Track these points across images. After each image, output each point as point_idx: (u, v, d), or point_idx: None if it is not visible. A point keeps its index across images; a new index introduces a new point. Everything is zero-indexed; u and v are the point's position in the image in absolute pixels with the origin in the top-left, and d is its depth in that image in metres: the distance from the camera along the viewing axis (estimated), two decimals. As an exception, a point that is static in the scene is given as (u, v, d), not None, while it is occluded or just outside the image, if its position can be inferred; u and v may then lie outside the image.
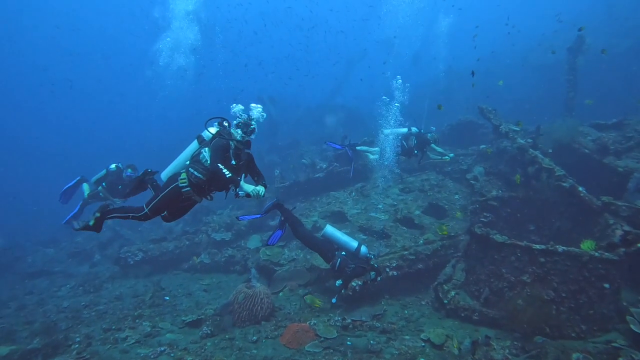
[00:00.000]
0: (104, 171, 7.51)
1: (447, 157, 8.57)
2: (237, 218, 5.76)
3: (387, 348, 5.12)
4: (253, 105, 3.97)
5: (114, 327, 6.44)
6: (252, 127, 3.83)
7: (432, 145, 8.23)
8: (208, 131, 3.86)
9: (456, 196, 8.91)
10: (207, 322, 6.26)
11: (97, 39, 34.90)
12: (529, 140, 7.88)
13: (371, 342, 5.29)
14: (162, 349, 5.39)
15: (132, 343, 5.72)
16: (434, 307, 6.29)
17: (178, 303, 7.56)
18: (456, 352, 4.83)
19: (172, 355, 5.24)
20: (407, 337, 5.40)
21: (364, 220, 8.46)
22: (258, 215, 6.04)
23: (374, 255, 6.16)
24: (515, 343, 4.79)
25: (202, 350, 5.33)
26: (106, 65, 35.68)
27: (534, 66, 17.39)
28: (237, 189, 3.57)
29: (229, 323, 6.26)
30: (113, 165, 7.47)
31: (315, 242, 6.02)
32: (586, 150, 7.59)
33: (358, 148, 9.11)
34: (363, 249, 5.98)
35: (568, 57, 10.76)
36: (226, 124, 3.92)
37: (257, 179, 4.00)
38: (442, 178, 9.85)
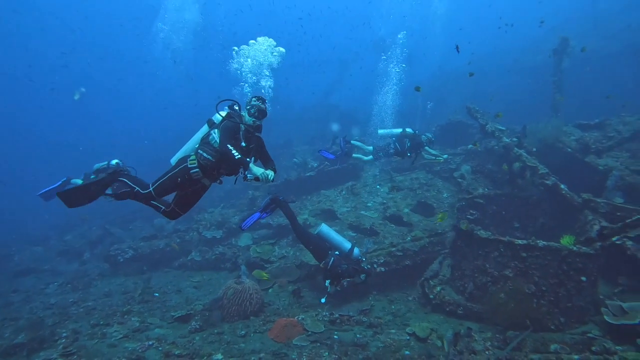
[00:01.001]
0: (105, 163, 7.14)
1: (440, 159, 8.65)
2: (240, 228, 5.51)
3: (373, 342, 5.21)
4: (263, 39, 3.88)
5: (102, 322, 6.43)
6: (262, 108, 3.72)
7: (427, 147, 8.33)
8: (219, 114, 3.77)
9: (444, 194, 9.06)
10: (196, 317, 6.29)
11: (93, 32, 34.30)
12: (514, 139, 8.06)
13: (357, 335, 5.38)
14: (150, 343, 5.40)
15: (120, 338, 5.72)
16: (420, 302, 6.41)
17: (168, 299, 7.58)
18: (439, 344, 4.94)
19: (160, 349, 5.26)
20: (393, 331, 5.50)
21: (353, 218, 8.56)
22: (257, 215, 5.67)
23: (365, 257, 6.21)
24: (497, 335, 4.92)
25: (191, 344, 5.36)
26: (102, 58, 35.12)
27: (523, 68, 17.69)
28: (246, 172, 3.45)
29: (218, 318, 6.30)
30: (114, 162, 7.12)
31: (311, 239, 6.01)
32: (569, 150, 7.80)
33: (353, 142, 9.20)
34: (356, 250, 6.03)
35: (553, 59, 11.02)
36: (237, 107, 3.86)
37: (267, 163, 3.89)
38: (431, 177, 9.99)
